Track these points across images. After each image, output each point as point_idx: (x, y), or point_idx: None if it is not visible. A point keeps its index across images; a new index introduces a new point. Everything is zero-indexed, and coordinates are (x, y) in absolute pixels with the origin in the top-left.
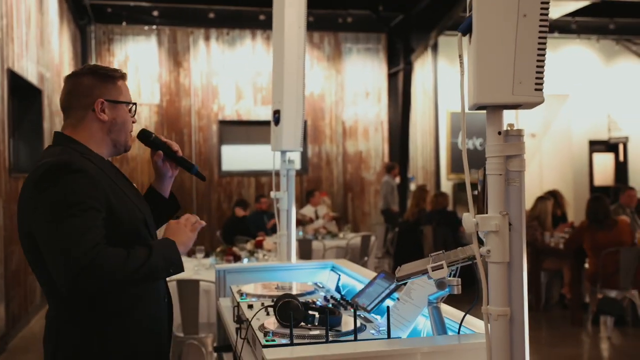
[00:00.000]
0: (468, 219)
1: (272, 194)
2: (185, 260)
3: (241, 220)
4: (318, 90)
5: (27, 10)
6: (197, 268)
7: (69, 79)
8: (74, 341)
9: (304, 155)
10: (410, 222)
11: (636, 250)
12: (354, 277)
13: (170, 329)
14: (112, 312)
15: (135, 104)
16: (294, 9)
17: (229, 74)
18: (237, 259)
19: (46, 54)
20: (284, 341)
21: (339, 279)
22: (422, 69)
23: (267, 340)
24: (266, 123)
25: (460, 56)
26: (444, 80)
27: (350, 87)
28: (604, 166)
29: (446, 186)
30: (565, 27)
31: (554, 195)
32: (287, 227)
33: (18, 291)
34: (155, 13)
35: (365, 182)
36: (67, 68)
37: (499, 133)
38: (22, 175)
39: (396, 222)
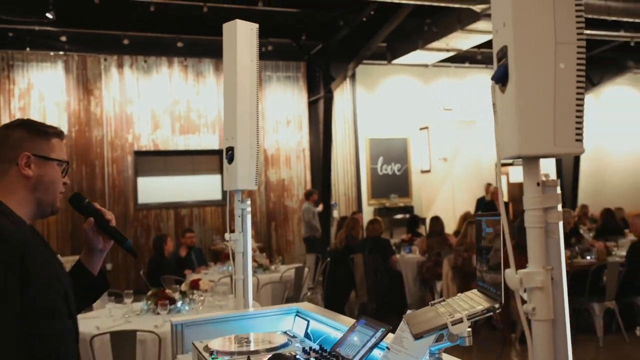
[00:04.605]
0: (511, 275)
1: (227, 235)
2: (114, 306)
3: (168, 257)
4: None
5: None
6: (128, 315)
7: None
8: None
9: None
10: (340, 250)
11: None
12: (324, 323)
13: None
14: None
15: (67, 162)
16: (246, 40)
17: (144, 102)
18: (172, 302)
19: None
20: None
21: (307, 325)
22: (342, 96)
23: None
24: (185, 153)
25: (494, 104)
26: (362, 108)
27: (272, 115)
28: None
29: (367, 211)
30: (472, 57)
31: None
32: (244, 270)
33: None
34: (63, 38)
35: (288, 210)
36: None
37: (538, 184)
38: None
39: (320, 249)
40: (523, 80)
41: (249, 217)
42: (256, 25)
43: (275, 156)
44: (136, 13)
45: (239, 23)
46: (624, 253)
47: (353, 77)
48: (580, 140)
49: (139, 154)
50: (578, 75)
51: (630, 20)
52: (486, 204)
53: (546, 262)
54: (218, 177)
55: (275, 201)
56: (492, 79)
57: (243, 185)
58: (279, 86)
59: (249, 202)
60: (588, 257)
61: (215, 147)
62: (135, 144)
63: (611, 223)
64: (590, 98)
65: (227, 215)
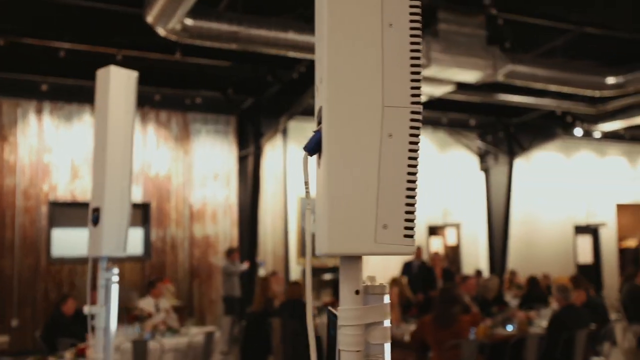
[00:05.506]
0: None
1: (86, 308)
2: None
3: (69, 318)
4: (164, 171)
5: None
6: None
7: None
8: None
9: (146, 240)
10: (258, 314)
11: (476, 344)
12: None
13: None
14: None
15: None
16: (121, 89)
17: (63, 151)
18: None
19: None
20: None
21: None
22: (273, 152)
23: None
24: None
25: (307, 183)
26: (294, 165)
27: (199, 169)
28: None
29: (296, 271)
30: None
31: (399, 284)
32: (105, 349)
33: None
34: None
35: (212, 268)
36: None
37: (357, 292)
38: None
39: (239, 310)
40: (337, 153)
41: (115, 288)
42: (135, 73)
43: (201, 211)
44: (54, 58)
45: (113, 69)
46: (545, 323)
47: (285, 133)
48: (411, 237)
49: (55, 205)
50: (411, 150)
51: (556, 89)
52: (424, 270)
53: None
54: (139, 230)
55: (199, 257)
56: (304, 149)
57: (109, 251)
58: (207, 139)
59: (115, 270)
60: (509, 328)
61: (138, 199)
62: (51, 194)
63: (535, 291)
64: (521, 162)
65: (88, 284)
